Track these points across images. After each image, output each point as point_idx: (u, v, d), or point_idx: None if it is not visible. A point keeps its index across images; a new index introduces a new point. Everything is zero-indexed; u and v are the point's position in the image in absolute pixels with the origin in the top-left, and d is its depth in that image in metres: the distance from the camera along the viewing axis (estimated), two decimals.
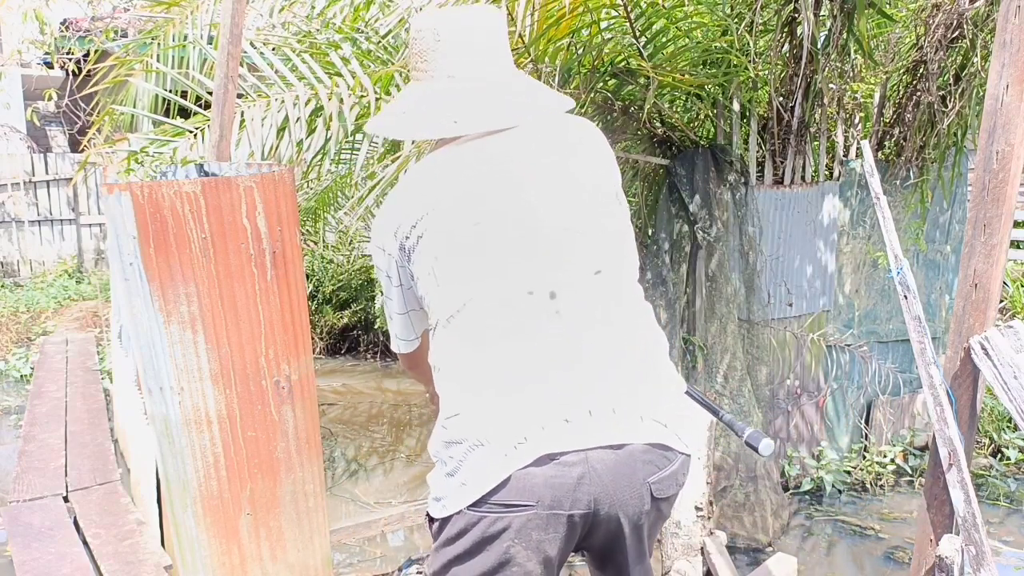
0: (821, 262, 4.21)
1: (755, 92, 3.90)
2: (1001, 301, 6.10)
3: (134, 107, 4.64)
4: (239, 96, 3.55)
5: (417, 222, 1.38)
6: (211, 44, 4.22)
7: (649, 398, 1.35)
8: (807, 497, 4.14)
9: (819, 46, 3.78)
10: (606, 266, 1.39)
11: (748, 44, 3.62)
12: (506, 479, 1.24)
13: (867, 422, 4.48)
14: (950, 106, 4.00)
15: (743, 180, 3.90)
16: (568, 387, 1.29)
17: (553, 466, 1.24)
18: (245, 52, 3.74)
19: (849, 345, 4.33)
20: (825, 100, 4.04)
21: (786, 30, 3.74)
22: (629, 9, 3.33)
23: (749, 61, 3.64)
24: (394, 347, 1.64)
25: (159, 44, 4.22)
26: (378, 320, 6.25)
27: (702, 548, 2.69)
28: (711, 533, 2.72)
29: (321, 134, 3.63)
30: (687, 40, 3.86)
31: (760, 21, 3.73)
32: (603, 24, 3.52)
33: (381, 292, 1.61)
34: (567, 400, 1.29)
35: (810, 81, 3.83)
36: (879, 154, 4.42)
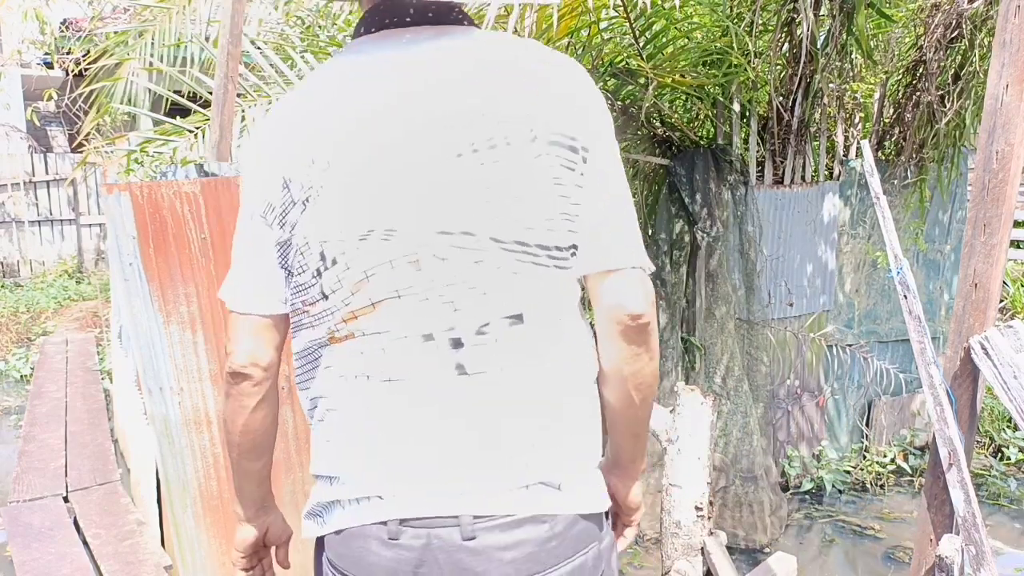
0: (821, 262, 4.21)
1: (755, 92, 3.90)
2: (1001, 301, 6.11)
3: (132, 104, 4.64)
4: (239, 96, 3.55)
5: (314, 160, 1.03)
6: (209, 42, 4.22)
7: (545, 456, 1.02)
8: (807, 497, 4.14)
9: (819, 46, 3.78)
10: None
11: (748, 44, 3.62)
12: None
13: (867, 422, 4.49)
14: (949, 106, 4.00)
15: (743, 180, 3.90)
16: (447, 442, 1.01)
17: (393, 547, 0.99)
18: (246, 51, 3.74)
19: (849, 345, 4.33)
20: (825, 100, 4.04)
21: (786, 30, 3.74)
22: (628, 10, 3.33)
23: (749, 61, 3.64)
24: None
25: (153, 42, 4.21)
26: None
27: (702, 548, 2.69)
28: (711, 533, 2.72)
29: None
30: (687, 40, 3.86)
31: (760, 21, 3.74)
32: (602, 25, 3.52)
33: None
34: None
35: (810, 81, 3.83)
36: (879, 154, 4.42)
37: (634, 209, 1.07)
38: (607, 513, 1.08)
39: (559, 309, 1.03)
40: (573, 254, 1.03)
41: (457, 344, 0.99)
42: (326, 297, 1.04)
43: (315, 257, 1.03)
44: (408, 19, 1.04)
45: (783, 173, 4.04)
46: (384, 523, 0.99)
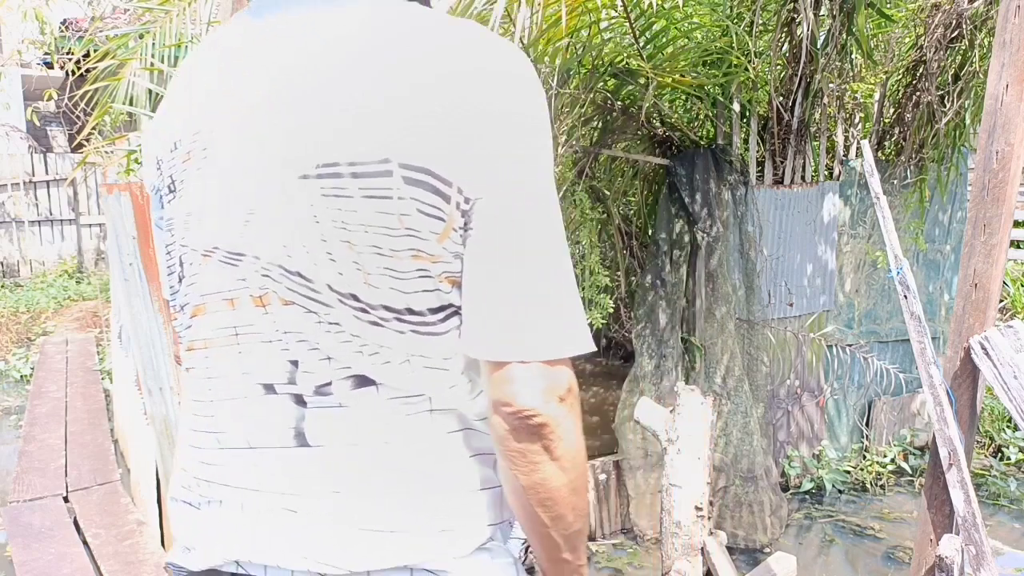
0: (821, 262, 4.21)
1: (755, 92, 3.90)
2: (1001, 301, 6.11)
3: (132, 105, 4.64)
4: None
5: (167, 154, 0.91)
6: None
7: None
8: (807, 497, 4.14)
9: (819, 46, 3.78)
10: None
11: (748, 44, 3.62)
12: None
13: (867, 422, 4.49)
14: (949, 106, 4.00)
15: (743, 180, 3.90)
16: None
17: None
18: None
19: (849, 345, 4.33)
20: (825, 100, 4.04)
21: (786, 30, 3.74)
22: (628, 10, 3.33)
23: (749, 61, 3.64)
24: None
25: (153, 43, 4.21)
26: None
27: (702, 548, 2.69)
28: (711, 533, 2.73)
29: None
30: (687, 40, 3.86)
31: (760, 21, 3.74)
32: (603, 24, 3.52)
33: None
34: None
35: (810, 81, 3.84)
36: (879, 154, 4.42)
37: (559, 274, 0.80)
38: None
39: (428, 375, 0.83)
40: (445, 318, 0.83)
41: (299, 403, 0.83)
42: (183, 310, 0.93)
43: (176, 261, 0.92)
44: None
45: (783, 173, 4.04)
46: (215, 571, 0.89)
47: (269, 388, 0.85)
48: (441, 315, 0.82)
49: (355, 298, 0.80)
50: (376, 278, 0.79)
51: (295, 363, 0.83)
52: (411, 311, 0.81)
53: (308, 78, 0.80)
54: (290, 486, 0.84)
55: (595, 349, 0.83)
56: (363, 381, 0.82)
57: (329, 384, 0.82)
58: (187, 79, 0.92)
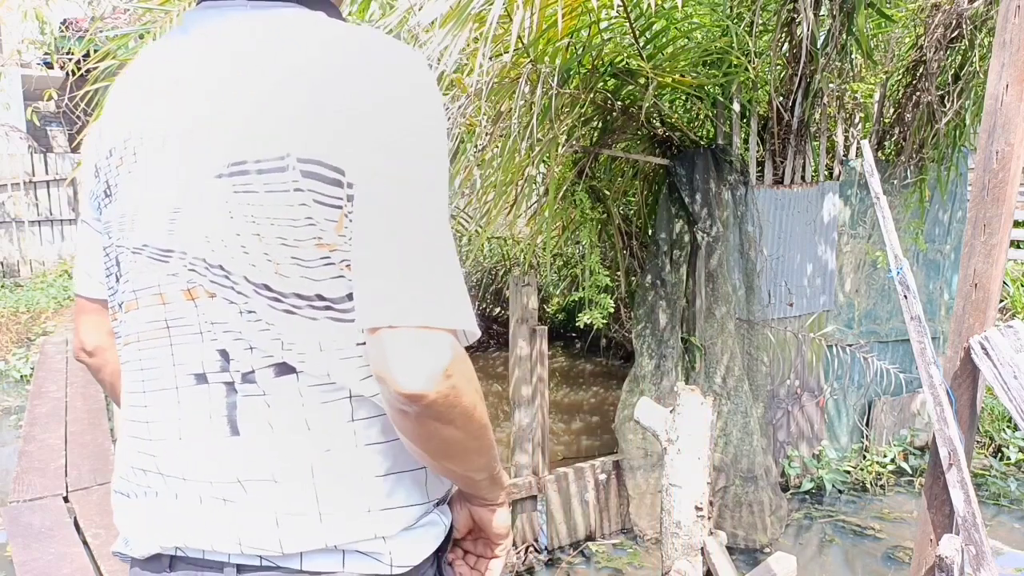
0: (821, 262, 4.21)
1: (755, 92, 3.90)
2: (1001, 301, 6.11)
3: None
4: None
5: (104, 160, 0.98)
6: None
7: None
8: (807, 497, 4.14)
9: (819, 46, 3.78)
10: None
11: (748, 44, 3.62)
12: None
13: (867, 422, 4.49)
14: (949, 106, 4.01)
15: (743, 180, 3.90)
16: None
17: None
18: None
19: (849, 345, 4.33)
20: (825, 100, 4.04)
21: (786, 30, 3.75)
22: (628, 10, 3.34)
23: (749, 61, 3.64)
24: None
25: (154, 39, 4.22)
26: None
27: (702, 548, 2.69)
28: (711, 533, 2.73)
29: None
30: (687, 40, 3.86)
31: (760, 21, 3.74)
32: (602, 25, 3.53)
33: None
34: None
35: (810, 81, 3.84)
36: (879, 154, 4.42)
37: (449, 251, 0.84)
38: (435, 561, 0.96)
39: (342, 363, 0.87)
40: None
41: (230, 391, 0.87)
42: (120, 307, 0.97)
43: (113, 261, 0.98)
44: None
45: (783, 173, 4.04)
46: (157, 558, 0.93)
47: (200, 378, 0.89)
48: (350, 302, 0.86)
49: (268, 288, 0.85)
50: (285, 267, 0.84)
51: (224, 353, 0.88)
52: (321, 297, 0.86)
53: (219, 86, 0.87)
54: (220, 473, 0.88)
55: (479, 333, 0.87)
56: (284, 369, 0.86)
57: (253, 372, 0.87)
58: (121, 91, 0.98)
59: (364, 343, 0.86)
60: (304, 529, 0.86)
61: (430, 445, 0.86)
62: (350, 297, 0.86)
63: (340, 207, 0.83)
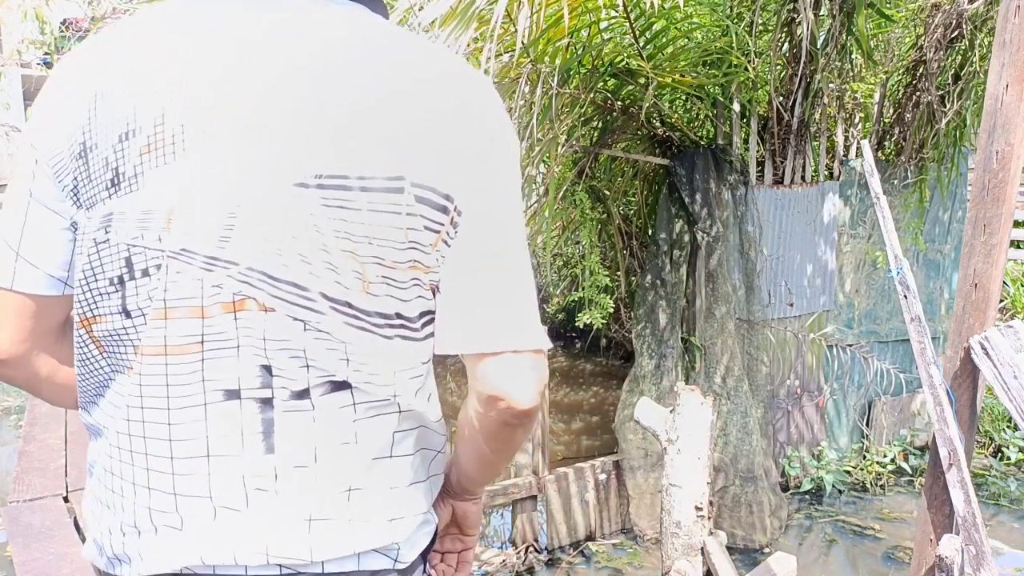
0: (821, 262, 4.21)
1: (755, 92, 3.90)
2: (1001, 301, 6.11)
3: None
4: None
5: (131, 131, 0.82)
6: None
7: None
8: (807, 497, 4.14)
9: (819, 46, 3.78)
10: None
11: (748, 44, 3.62)
12: None
13: (867, 422, 4.49)
14: (949, 106, 4.01)
15: (743, 180, 3.90)
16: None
17: None
18: None
19: (849, 345, 4.33)
20: (825, 100, 4.04)
21: (786, 30, 3.75)
22: (628, 10, 3.34)
23: (749, 61, 3.64)
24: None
25: None
26: None
27: (702, 548, 2.69)
28: (711, 533, 2.73)
29: None
30: (687, 40, 3.86)
31: (760, 21, 3.74)
32: (603, 25, 3.53)
33: None
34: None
35: (810, 81, 3.84)
36: (879, 154, 4.42)
37: (530, 277, 0.88)
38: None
39: (403, 380, 0.88)
40: (425, 324, 0.88)
41: (266, 407, 0.83)
42: (128, 315, 0.84)
43: (121, 261, 0.83)
44: None
45: (783, 173, 4.04)
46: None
47: (232, 394, 0.83)
48: (422, 321, 0.87)
49: (350, 306, 0.82)
50: (375, 286, 0.82)
51: (267, 368, 0.82)
52: (400, 316, 0.85)
53: (312, 77, 0.79)
54: (241, 490, 0.84)
55: (551, 346, 0.95)
56: (339, 386, 0.84)
57: (307, 390, 0.83)
58: (132, 52, 0.82)
59: (427, 361, 0.90)
60: (333, 537, 0.85)
61: (511, 448, 0.95)
62: (422, 316, 0.87)
63: (439, 231, 0.83)
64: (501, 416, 0.87)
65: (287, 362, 0.82)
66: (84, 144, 0.82)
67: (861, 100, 4.33)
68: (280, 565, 0.85)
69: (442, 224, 0.82)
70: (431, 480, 0.96)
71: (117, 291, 0.85)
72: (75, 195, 0.85)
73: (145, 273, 0.82)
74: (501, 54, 3.13)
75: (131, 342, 0.86)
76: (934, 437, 2.15)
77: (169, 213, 0.80)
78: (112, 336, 0.87)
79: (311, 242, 0.79)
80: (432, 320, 0.88)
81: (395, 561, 0.90)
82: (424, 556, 0.97)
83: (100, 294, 0.86)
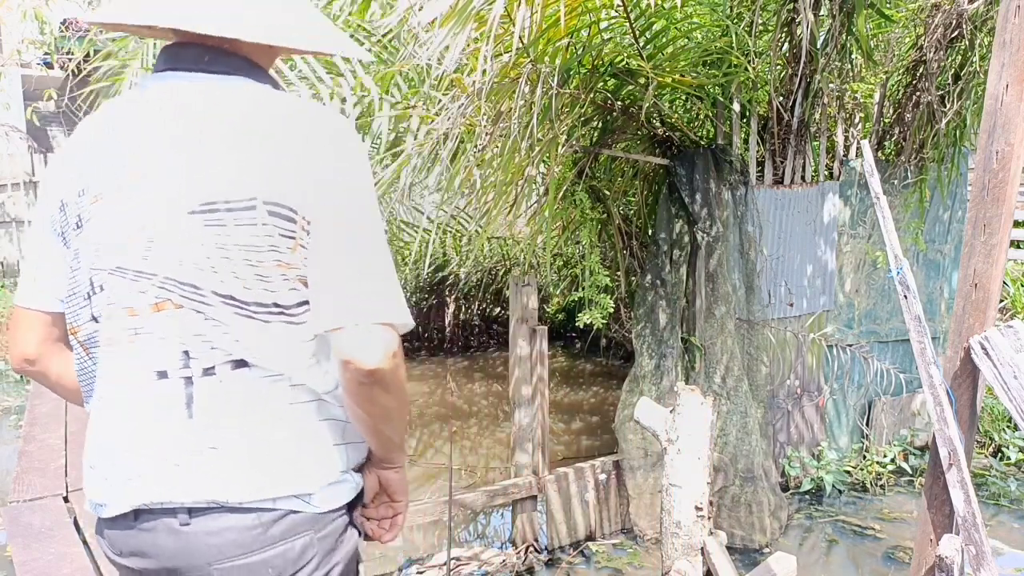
0: (821, 262, 4.21)
1: (755, 92, 3.90)
2: (1001, 301, 6.11)
3: None
4: None
5: (76, 196, 1.18)
6: None
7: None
8: (807, 497, 4.14)
9: (819, 46, 3.78)
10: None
11: (748, 44, 3.62)
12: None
13: (867, 422, 4.49)
14: (949, 106, 4.00)
15: (743, 180, 3.90)
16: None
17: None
18: None
19: (849, 345, 4.33)
20: (825, 100, 4.04)
21: (786, 30, 3.75)
22: (628, 10, 3.33)
23: (749, 61, 3.64)
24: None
25: (155, 43, 4.22)
26: None
27: (702, 548, 2.69)
28: (711, 533, 2.72)
29: None
30: (687, 40, 3.86)
31: (760, 21, 3.74)
32: (602, 24, 3.52)
33: None
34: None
35: (810, 81, 3.84)
36: (879, 154, 4.42)
37: (387, 261, 1.13)
38: (345, 515, 1.23)
39: (292, 357, 1.14)
40: (303, 311, 1.14)
41: (189, 384, 1.13)
42: (95, 320, 1.19)
43: (85, 281, 1.18)
44: (189, 66, 1.16)
45: (783, 173, 4.04)
46: (123, 515, 1.17)
47: (162, 374, 1.14)
48: (301, 309, 1.14)
49: (233, 298, 1.11)
50: (249, 282, 1.11)
51: (186, 353, 1.13)
52: (277, 305, 1.12)
53: (186, 140, 1.11)
54: (177, 449, 1.14)
55: (412, 324, 1.15)
56: (239, 363, 1.13)
57: (213, 367, 1.13)
58: (89, 139, 1.19)
59: (311, 340, 1.16)
60: (255, 482, 1.13)
61: (375, 410, 1.16)
62: (299, 305, 1.14)
63: (294, 236, 1.11)
64: (354, 376, 1.11)
65: (199, 346, 1.12)
66: (63, 201, 1.19)
67: (861, 100, 4.33)
68: (212, 501, 1.13)
69: (294, 231, 1.10)
70: (348, 447, 1.23)
71: (87, 303, 1.19)
72: (63, 238, 1.21)
73: (101, 288, 1.16)
74: (501, 54, 3.13)
75: (99, 341, 1.19)
76: (934, 437, 2.15)
77: (109, 241, 1.14)
78: (89, 339, 1.20)
79: (200, 253, 1.10)
80: (308, 308, 1.14)
81: (309, 504, 1.17)
82: (349, 511, 1.25)
83: (79, 308, 1.20)
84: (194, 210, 1.09)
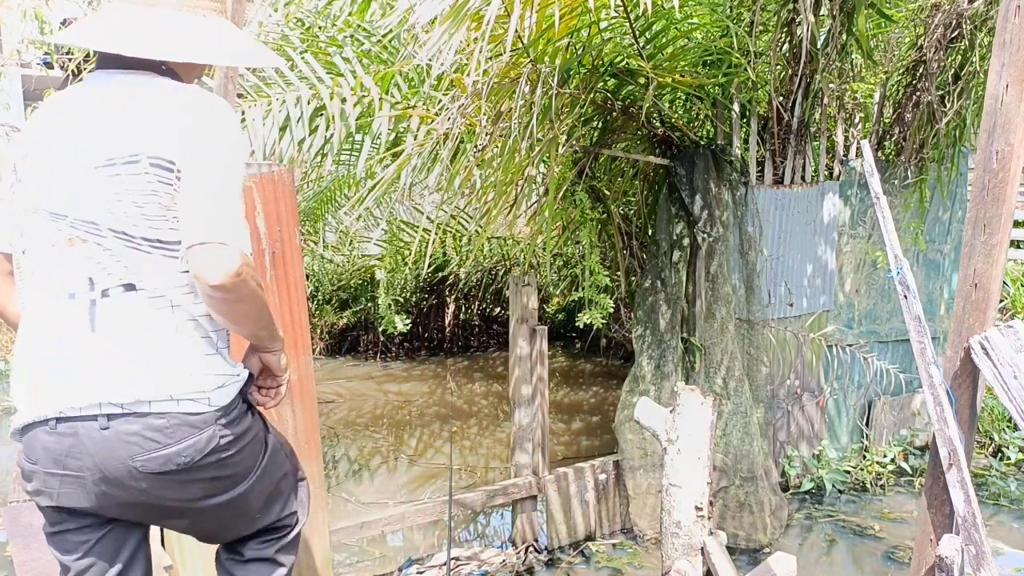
0: (821, 262, 4.21)
1: (755, 92, 3.90)
2: (1001, 301, 6.11)
3: None
4: (239, 96, 3.55)
5: (20, 159, 1.56)
6: None
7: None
8: (807, 497, 4.14)
9: (819, 46, 3.78)
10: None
11: (748, 44, 3.62)
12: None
13: (867, 422, 4.49)
14: (949, 106, 4.00)
15: (743, 180, 3.90)
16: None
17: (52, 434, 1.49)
18: None
19: (849, 345, 4.33)
20: (825, 100, 4.04)
21: (786, 30, 3.74)
22: (628, 10, 3.33)
23: (749, 61, 3.64)
24: None
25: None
26: (378, 320, 6.25)
27: (702, 548, 2.69)
28: (711, 533, 2.72)
29: (321, 134, 3.63)
30: (687, 40, 3.86)
31: (760, 21, 3.74)
32: (602, 24, 3.52)
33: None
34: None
35: (810, 81, 3.83)
36: (879, 154, 4.42)
37: (234, 194, 1.46)
38: (235, 408, 1.57)
39: (169, 282, 1.48)
40: (179, 246, 1.46)
41: (92, 304, 1.46)
42: (24, 253, 1.54)
43: (21, 222, 1.53)
44: (112, 66, 1.54)
45: (783, 173, 4.04)
46: (45, 421, 1.47)
47: (72, 296, 1.47)
48: (177, 245, 1.47)
49: (124, 234, 1.45)
50: (137, 220, 1.45)
51: (90, 280, 1.47)
52: (160, 241, 1.47)
53: (97, 115, 1.49)
54: (84, 357, 1.46)
55: (248, 252, 1.47)
56: (129, 287, 1.47)
57: (108, 289, 1.47)
58: (37, 118, 1.58)
59: (187, 271, 1.47)
60: (148, 387, 1.45)
61: (231, 315, 1.48)
62: (177, 242, 1.46)
63: (172, 184, 1.45)
64: (203, 290, 1.42)
65: (99, 273, 1.46)
66: (15, 164, 1.56)
67: (861, 100, 4.33)
68: (120, 405, 1.45)
69: (171, 180, 1.45)
70: (223, 352, 1.57)
71: (21, 239, 1.53)
72: (12, 191, 1.56)
73: (29, 226, 1.51)
74: (501, 54, 3.13)
75: (25, 271, 1.54)
76: (934, 437, 2.15)
77: (36, 190, 1.50)
78: (19, 270, 1.55)
79: (100, 198, 1.45)
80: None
81: (208, 404, 1.51)
82: (242, 397, 1.61)
83: (16, 245, 1.55)
84: (99, 165, 1.45)
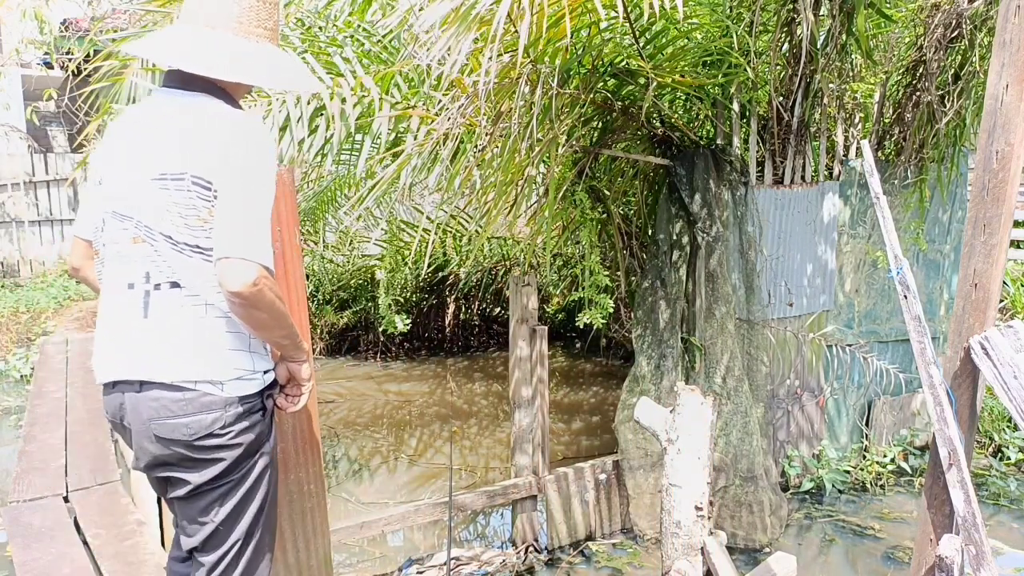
0: (821, 262, 4.21)
1: (755, 92, 3.90)
2: (1001, 301, 6.11)
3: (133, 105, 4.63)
4: None
5: (102, 164, 1.83)
6: None
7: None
8: (807, 497, 4.14)
9: (819, 46, 3.78)
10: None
11: (748, 44, 3.62)
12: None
13: (867, 422, 4.49)
14: (949, 106, 4.00)
15: (743, 180, 3.90)
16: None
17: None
18: None
19: (849, 345, 4.33)
20: (825, 100, 4.04)
21: (786, 30, 3.74)
22: (629, 10, 3.33)
23: (749, 61, 3.64)
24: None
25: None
26: (378, 320, 6.24)
27: (702, 548, 2.69)
28: (711, 533, 2.72)
29: (322, 134, 3.63)
30: (687, 41, 3.86)
31: (760, 21, 3.73)
32: (603, 25, 3.52)
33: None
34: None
35: (810, 81, 3.83)
36: (879, 153, 4.42)
37: (261, 216, 1.65)
38: (257, 398, 1.79)
39: (205, 284, 1.70)
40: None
41: (147, 295, 1.72)
42: (104, 246, 1.81)
43: (100, 219, 1.80)
44: (174, 85, 1.77)
45: (783, 173, 4.04)
46: (108, 384, 1.79)
47: (131, 286, 1.74)
48: (212, 251, 1.66)
49: (170, 238, 1.69)
50: (180, 228, 1.68)
51: (147, 274, 1.72)
52: (198, 247, 1.69)
53: (154, 131, 1.73)
54: (137, 337, 1.72)
55: (270, 265, 1.66)
56: (174, 284, 1.71)
57: (160, 285, 1.72)
58: (113, 127, 1.84)
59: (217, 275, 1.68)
60: (180, 368, 1.70)
61: (250, 320, 1.68)
62: (212, 249, 1.66)
63: (209, 200, 1.67)
64: (226, 295, 1.63)
65: (153, 269, 1.72)
66: (96, 167, 1.87)
67: (861, 100, 4.33)
68: (153, 379, 1.70)
69: (209, 197, 1.67)
70: (254, 355, 1.78)
71: (100, 234, 1.82)
72: (95, 191, 1.84)
73: (104, 224, 1.80)
74: (502, 54, 3.12)
75: (102, 259, 1.83)
76: (934, 437, 2.15)
77: (109, 193, 1.78)
78: (99, 259, 1.85)
79: (154, 206, 1.69)
80: None
81: (222, 390, 1.73)
82: (261, 398, 1.81)
83: (97, 237, 1.84)
84: (154, 177, 1.68)
